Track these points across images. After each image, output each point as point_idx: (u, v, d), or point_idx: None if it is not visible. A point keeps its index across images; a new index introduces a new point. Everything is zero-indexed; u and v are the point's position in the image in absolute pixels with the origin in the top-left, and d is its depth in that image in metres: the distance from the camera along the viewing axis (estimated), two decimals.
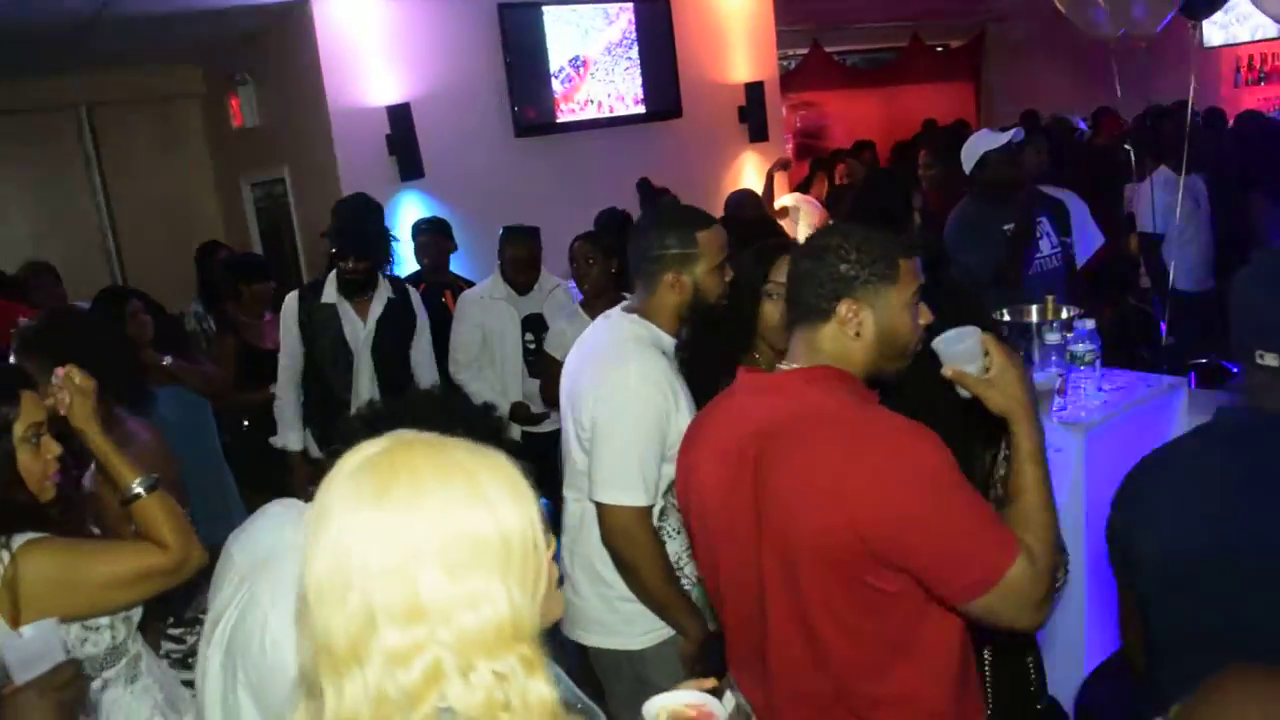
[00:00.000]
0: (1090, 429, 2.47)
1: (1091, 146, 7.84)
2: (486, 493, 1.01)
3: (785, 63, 10.76)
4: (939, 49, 12.21)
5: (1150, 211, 5.55)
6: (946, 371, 1.70)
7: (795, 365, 1.73)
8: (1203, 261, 5.62)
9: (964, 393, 1.71)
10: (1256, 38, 10.01)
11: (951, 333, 1.69)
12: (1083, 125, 8.59)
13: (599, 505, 2.36)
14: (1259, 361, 1.55)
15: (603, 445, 2.35)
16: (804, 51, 10.87)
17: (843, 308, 1.68)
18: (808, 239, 1.78)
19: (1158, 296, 5.60)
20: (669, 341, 2.46)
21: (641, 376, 2.35)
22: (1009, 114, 9.66)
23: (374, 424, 1.34)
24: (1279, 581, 1.52)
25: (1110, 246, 5.77)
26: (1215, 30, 10.18)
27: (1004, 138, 4.38)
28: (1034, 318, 2.72)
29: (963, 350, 1.68)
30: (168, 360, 3.95)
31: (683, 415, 2.32)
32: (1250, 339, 1.57)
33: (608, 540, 2.37)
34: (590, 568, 2.48)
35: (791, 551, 1.62)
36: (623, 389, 2.35)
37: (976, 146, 4.43)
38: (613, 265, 4.18)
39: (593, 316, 4.12)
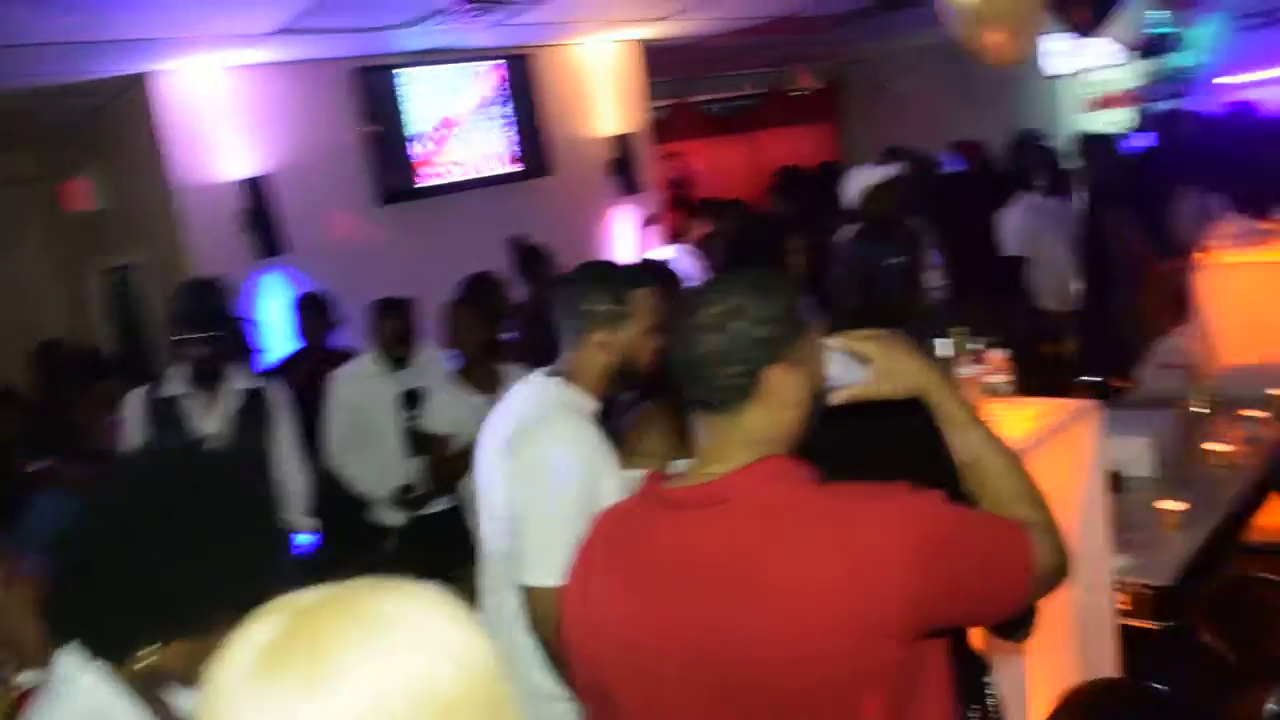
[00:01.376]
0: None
1: (960, 177, 7.98)
2: (423, 638, 0.82)
3: (653, 114, 10.79)
4: (798, 94, 12.42)
5: (1016, 235, 5.62)
6: (838, 399, 1.51)
7: (729, 466, 1.43)
8: (1066, 282, 5.71)
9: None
10: (1095, 65, 10.41)
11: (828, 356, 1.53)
12: (950, 158, 8.74)
13: (527, 590, 2.14)
14: None
15: (529, 524, 2.15)
16: (669, 103, 10.89)
17: (772, 378, 1.42)
18: (688, 312, 1.46)
19: (1038, 317, 5.65)
20: (592, 405, 2.28)
21: (567, 447, 2.16)
22: (870, 153, 9.84)
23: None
24: None
25: (983, 274, 5.87)
26: (1058, 58, 10.56)
27: (882, 172, 4.35)
28: (945, 352, 2.60)
29: (840, 373, 1.51)
30: (39, 465, 3.57)
31: (611, 481, 2.15)
32: None
33: (537, 629, 2.13)
34: (513, 670, 2.23)
35: (758, 695, 1.35)
36: (548, 463, 2.16)
37: (856, 182, 4.39)
38: (488, 330, 3.97)
39: (473, 385, 3.96)
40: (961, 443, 1.51)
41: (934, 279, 4.42)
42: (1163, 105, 9.67)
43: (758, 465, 1.42)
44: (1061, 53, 10.46)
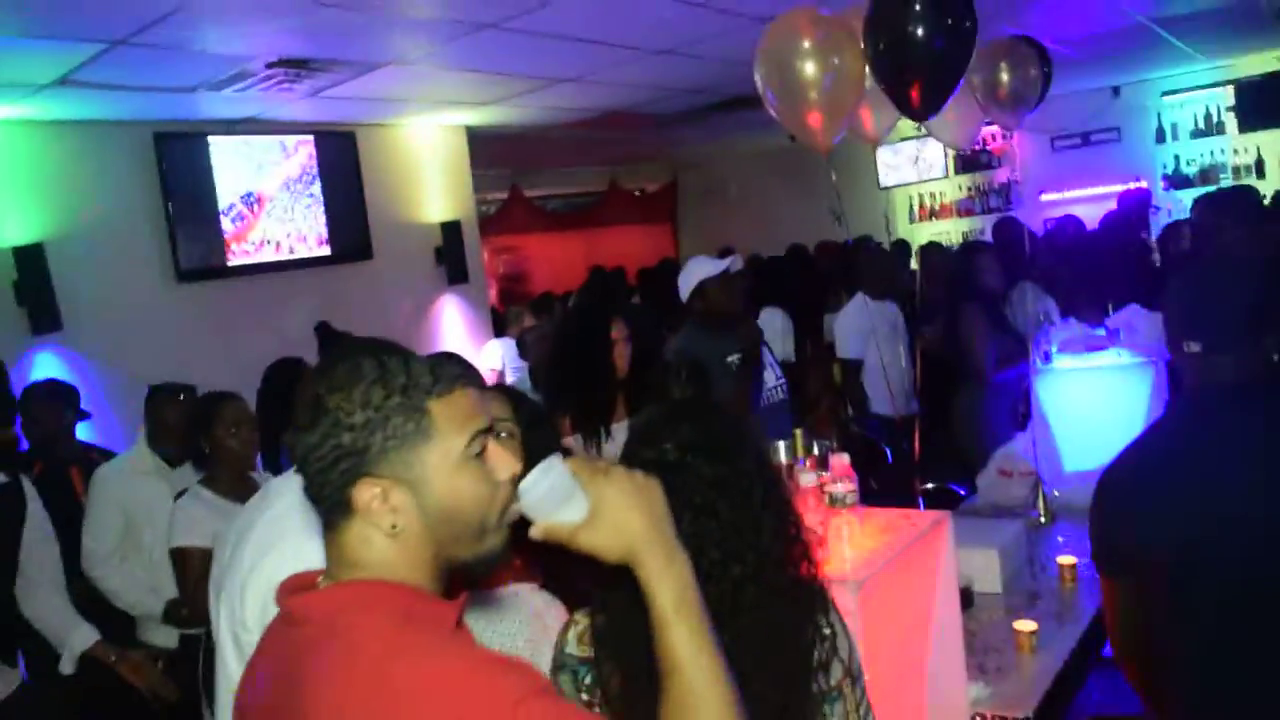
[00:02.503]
0: (861, 585, 2.02)
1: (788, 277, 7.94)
2: None
3: (485, 207, 10.51)
4: (636, 193, 12.40)
5: (848, 338, 5.49)
6: (535, 533, 1.19)
7: (326, 583, 1.22)
8: (901, 387, 5.60)
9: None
10: (924, 178, 10.73)
11: (530, 475, 1.19)
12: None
13: None
14: (1186, 350, 1.86)
15: None
16: (503, 195, 10.66)
17: (363, 493, 1.16)
18: (303, 393, 1.21)
19: (874, 421, 5.49)
20: None
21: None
22: (706, 253, 9.81)
23: None
24: None
25: (816, 375, 5.74)
26: (889, 171, 10.85)
27: (721, 265, 4.12)
28: (783, 457, 2.30)
29: (547, 492, 1.18)
30: None
31: None
32: (1177, 333, 1.88)
33: None
34: None
35: None
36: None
37: (693, 275, 4.14)
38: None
39: (219, 492, 3.36)
40: (663, 643, 1.15)
41: (771, 377, 4.19)
42: (990, 216, 10.01)
43: (347, 588, 1.18)
44: (894, 165, 10.78)
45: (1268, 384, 1.83)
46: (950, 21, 3.07)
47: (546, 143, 8.63)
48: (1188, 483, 1.80)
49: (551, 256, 11.14)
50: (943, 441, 5.07)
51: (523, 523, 1.21)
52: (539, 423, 1.97)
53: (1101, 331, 4.30)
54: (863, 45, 3.28)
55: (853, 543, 2.18)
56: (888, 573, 2.15)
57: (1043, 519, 3.81)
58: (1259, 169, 9.11)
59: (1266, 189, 8.40)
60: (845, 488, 2.15)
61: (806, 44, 3.31)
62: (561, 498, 1.17)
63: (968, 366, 4.79)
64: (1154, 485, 1.84)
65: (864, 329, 5.41)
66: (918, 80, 3.07)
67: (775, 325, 6.37)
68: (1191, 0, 6.22)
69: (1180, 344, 1.87)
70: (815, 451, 2.38)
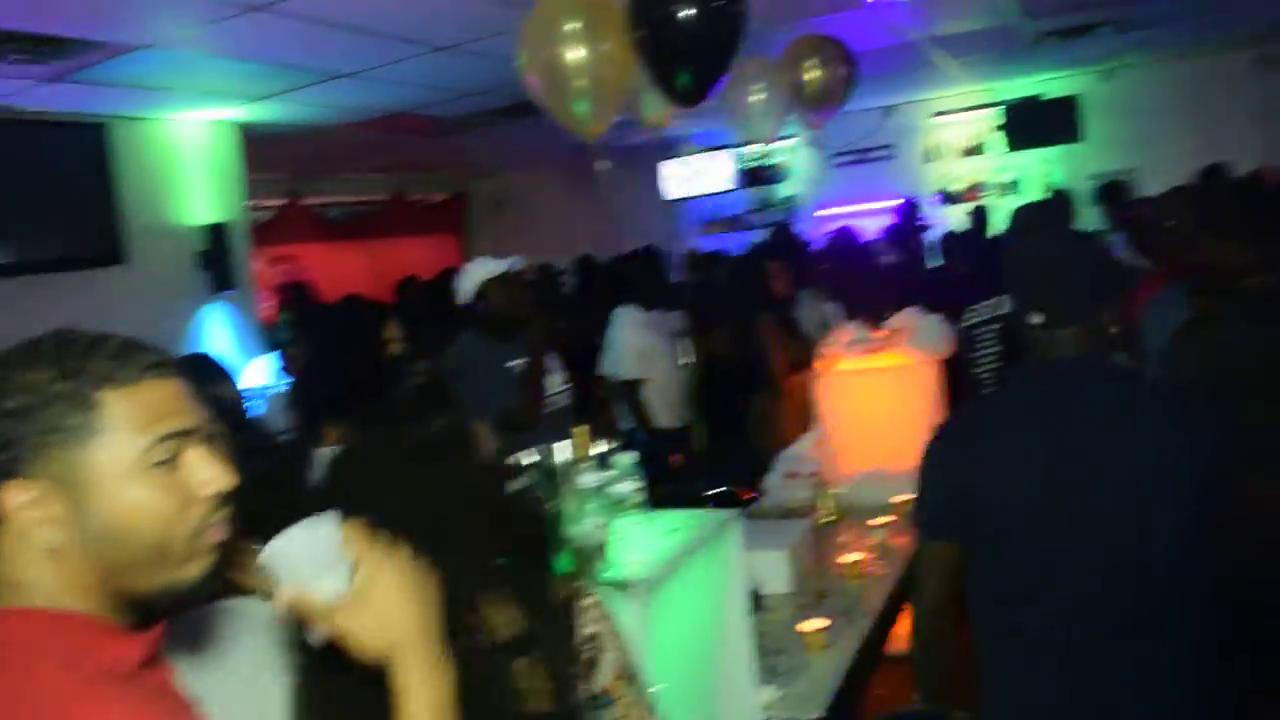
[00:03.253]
0: (651, 586, 1.88)
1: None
2: None
3: (261, 213, 9.94)
4: (423, 203, 12.04)
5: (624, 355, 5.37)
6: (278, 604, 1.03)
7: None
8: (683, 396, 5.56)
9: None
10: (709, 191, 10.88)
11: (289, 532, 1.01)
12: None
13: None
14: (1030, 322, 1.88)
15: None
16: (282, 202, 10.10)
17: (12, 497, 0.94)
18: None
19: (646, 436, 5.40)
20: None
21: None
22: None
23: None
24: (1123, 501, 1.77)
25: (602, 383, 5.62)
26: (676, 183, 10.94)
27: (503, 265, 3.93)
28: (562, 457, 2.13)
29: (303, 553, 1.00)
30: None
31: None
32: (1021, 305, 1.90)
33: None
34: None
35: None
36: None
37: (473, 276, 3.93)
38: None
39: None
40: None
41: (555, 383, 4.04)
42: (771, 229, 10.24)
43: None
44: (679, 177, 10.88)
45: (1103, 356, 1.90)
46: (717, 5, 3.00)
47: (327, 145, 8.21)
48: (1017, 449, 1.85)
49: (332, 267, 10.61)
50: (729, 448, 5.05)
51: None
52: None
53: (882, 333, 4.35)
54: (629, 28, 3.17)
55: (637, 546, 2.03)
56: (675, 576, 2.02)
57: (827, 518, 3.81)
58: (1017, 187, 9.70)
59: None
60: (630, 487, 2.01)
61: (570, 27, 3.18)
62: (321, 565, 0.98)
63: (763, 373, 4.78)
64: (982, 451, 1.89)
65: (640, 344, 5.31)
66: (684, 65, 2.98)
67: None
68: (960, 21, 6.50)
69: (1024, 316, 1.89)
70: (600, 450, 2.23)
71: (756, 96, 4.17)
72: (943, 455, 1.96)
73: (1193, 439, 1.81)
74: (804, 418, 4.54)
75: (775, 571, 3.13)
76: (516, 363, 3.85)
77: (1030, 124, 9.53)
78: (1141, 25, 7.31)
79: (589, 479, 1.99)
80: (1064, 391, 1.86)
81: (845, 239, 6.08)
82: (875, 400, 4.29)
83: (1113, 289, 1.93)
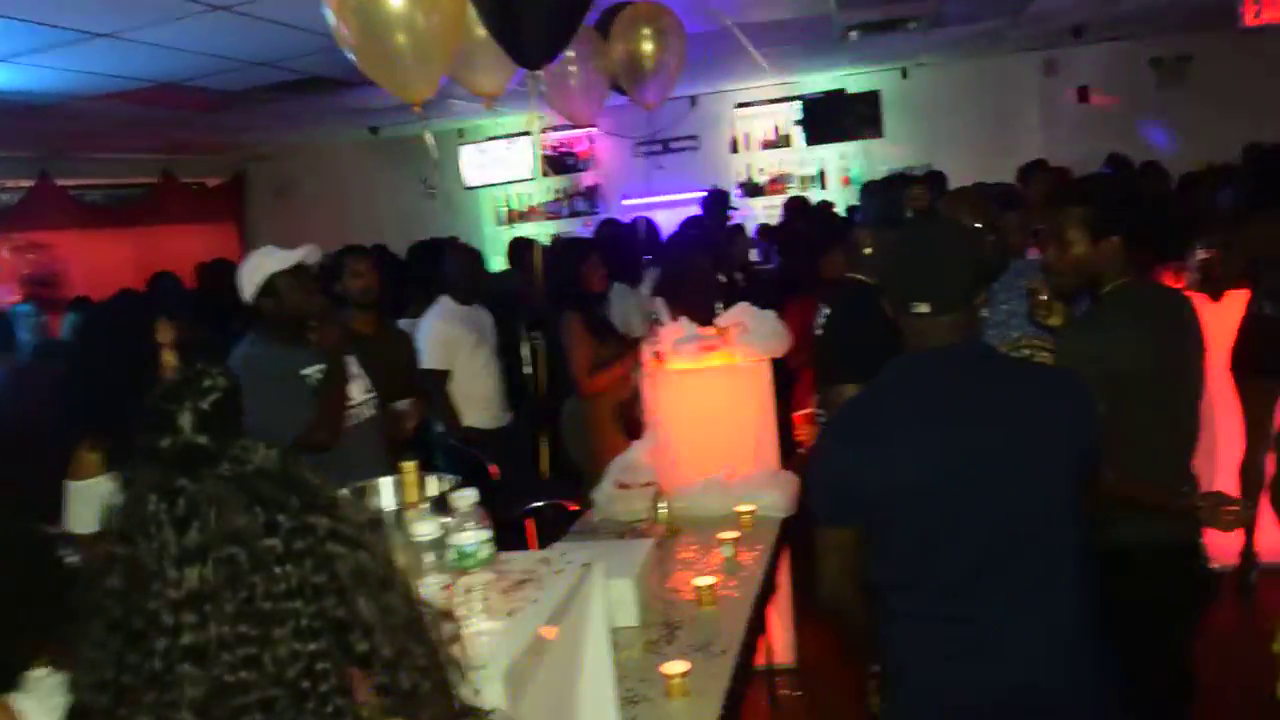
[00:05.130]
0: (506, 670, 1.49)
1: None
2: None
3: (5, 195, 8.84)
4: (195, 186, 11.05)
5: (434, 346, 4.92)
6: None
7: None
8: (496, 396, 5.17)
9: None
10: (511, 178, 10.45)
11: None
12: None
13: None
14: (914, 311, 1.92)
15: None
16: (30, 183, 9.00)
17: None
18: None
19: (456, 440, 4.97)
20: None
21: None
22: None
23: None
24: (1011, 477, 1.88)
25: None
26: (476, 171, 10.46)
27: (293, 256, 3.40)
28: (392, 502, 1.70)
29: None
30: None
31: None
32: (905, 295, 1.93)
33: None
34: None
35: None
36: None
37: (259, 269, 3.38)
38: None
39: None
40: None
41: (358, 391, 3.55)
42: (577, 220, 9.93)
43: None
44: (481, 165, 10.40)
45: (979, 340, 2.03)
46: None
47: (85, 119, 7.29)
48: (911, 432, 1.91)
49: (92, 257, 9.52)
50: (555, 452, 4.70)
51: None
52: None
53: (713, 331, 4.09)
54: None
55: (488, 609, 1.63)
56: (536, 645, 1.64)
57: (670, 534, 3.51)
58: (821, 180, 9.75)
59: (831, 198, 8.97)
60: (477, 540, 1.61)
61: None
62: None
63: (577, 367, 4.44)
64: (877, 436, 1.94)
65: (447, 334, 4.91)
66: (529, 22, 2.59)
67: None
68: (777, 8, 6.35)
69: (908, 305, 1.92)
70: (440, 490, 1.81)
71: (573, 66, 3.77)
72: (838, 442, 2.03)
73: (1070, 410, 1.96)
74: (626, 422, 4.25)
75: (622, 602, 2.77)
76: (312, 369, 3.34)
77: (831, 118, 9.60)
78: (950, 22, 7.39)
79: (427, 528, 1.58)
80: (950, 375, 1.94)
81: (673, 233, 5.81)
82: (709, 402, 4.02)
83: (984, 276, 2.02)
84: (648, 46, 3.56)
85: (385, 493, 1.70)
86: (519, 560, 1.89)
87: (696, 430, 3.97)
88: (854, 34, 7.40)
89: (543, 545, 3.46)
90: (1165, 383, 2.54)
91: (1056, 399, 1.97)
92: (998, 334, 3.06)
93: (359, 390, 3.52)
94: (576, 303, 4.44)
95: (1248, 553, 4.47)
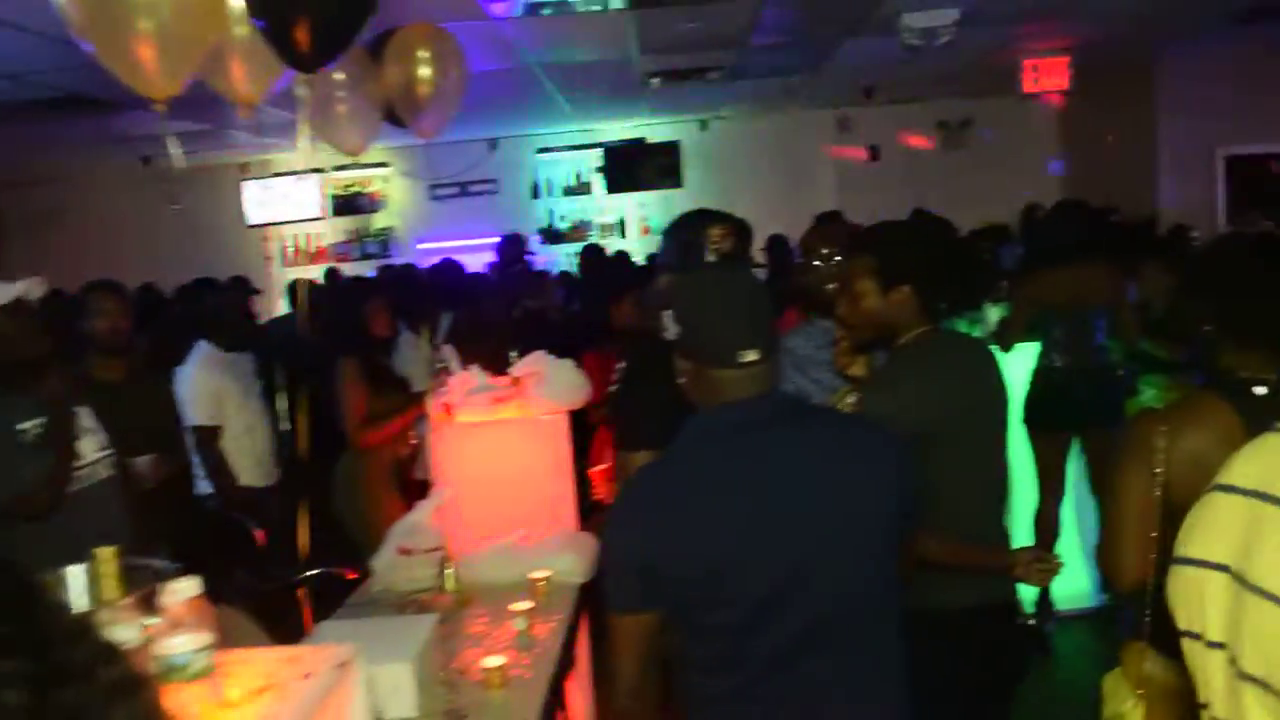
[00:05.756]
0: None
1: None
2: None
3: None
4: None
5: (197, 398, 4.43)
6: None
7: None
8: (268, 452, 4.72)
9: None
10: (298, 217, 9.88)
11: None
12: None
13: None
14: (742, 360, 1.75)
15: None
16: None
17: None
18: None
19: (218, 503, 4.49)
20: None
21: None
22: None
23: None
24: (827, 538, 1.72)
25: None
26: (259, 208, 9.85)
27: (10, 290, 2.90)
28: (83, 599, 1.32)
29: None
30: None
31: None
32: (729, 344, 1.76)
33: None
34: None
35: None
36: None
37: None
38: None
39: None
40: None
41: (91, 448, 3.06)
42: (368, 263, 9.46)
43: None
44: (265, 202, 9.81)
45: (784, 392, 1.93)
46: None
47: None
48: (713, 501, 1.73)
49: None
50: (319, 513, 4.27)
51: None
52: None
53: (507, 381, 3.80)
54: None
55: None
56: None
57: (454, 604, 3.17)
58: (622, 228, 9.67)
59: (629, 247, 8.87)
60: (191, 644, 1.25)
61: None
62: None
63: (350, 421, 4.06)
64: (676, 506, 1.74)
65: (215, 388, 4.43)
66: (306, 18, 2.25)
67: None
68: (579, 49, 6.19)
69: (735, 355, 1.74)
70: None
71: (345, 96, 3.39)
72: (636, 518, 1.79)
73: (887, 468, 1.83)
74: (403, 481, 3.90)
75: (397, 690, 2.42)
76: (31, 423, 2.85)
77: (631, 167, 9.55)
78: (749, 74, 7.44)
79: (119, 634, 1.21)
80: (761, 431, 1.77)
81: (462, 275, 5.49)
82: (502, 458, 3.72)
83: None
84: (424, 72, 3.26)
85: (74, 585, 1.32)
86: (256, 663, 1.54)
87: (488, 489, 3.65)
88: (656, 81, 7.34)
89: (318, 618, 3.08)
90: (967, 436, 2.43)
91: (872, 456, 1.85)
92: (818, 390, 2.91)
93: (91, 447, 3.04)
94: (354, 348, 4.06)
95: (1044, 604, 4.51)
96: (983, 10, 5.77)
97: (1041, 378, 4.48)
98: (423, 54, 3.27)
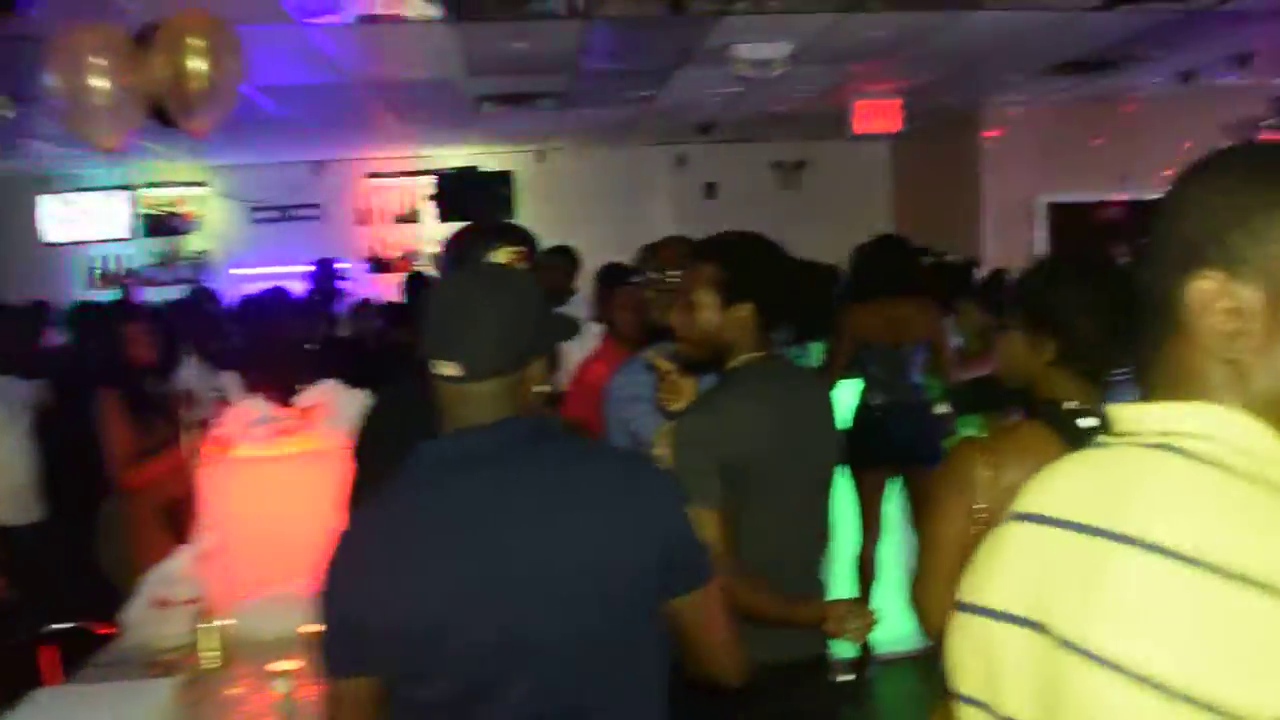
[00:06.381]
0: None
1: None
2: None
3: None
4: None
5: None
6: None
7: None
8: (28, 486, 4.23)
9: None
10: (104, 237, 9.21)
11: None
12: None
13: None
14: (441, 373, 1.49)
15: None
16: None
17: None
18: None
19: None
20: None
21: None
22: None
23: None
24: (562, 601, 1.45)
25: None
26: (56, 226, 9.13)
27: None
28: None
29: None
30: None
31: None
32: (430, 351, 1.50)
33: None
34: None
35: None
36: None
37: None
38: None
39: None
40: None
41: None
42: (176, 286, 8.86)
43: None
44: (65, 219, 9.10)
45: (529, 419, 1.54)
46: None
47: None
48: (428, 550, 1.47)
49: None
50: (76, 562, 3.82)
51: None
52: None
53: (292, 412, 3.47)
54: None
55: None
56: None
57: (210, 664, 2.80)
58: None
59: None
60: None
61: None
62: None
63: (110, 458, 3.64)
64: (386, 557, 1.48)
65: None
66: None
67: None
68: (402, 66, 5.90)
69: (434, 365, 1.50)
70: None
71: (98, 80, 2.98)
72: (342, 571, 1.49)
73: (650, 509, 1.54)
74: (177, 524, 3.50)
75: None
76: None
77: (465, 196, 9.28)
78: (582, 104, 7.28)
79: None
80: (487, 469, 1.49)
81: (249, 300, 5.10)
82: (282, 496, 3.37)
83: (546, 339, 1.61)
84: (197, 65, 2.93)
85: None
86: None
87: (264, 531, 3.29)
88: (488, 105, 7.10)
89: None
90: (790, 475, 2.20)
91: (626, 499, 1.54)
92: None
93: None
94: (115, 378, 3.65)
95: (862, 648, 4.39)
96: (814, 46, 5.76)
97: (861, 415, 4.40)
98: (196, 44, 2.93)
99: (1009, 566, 0.90)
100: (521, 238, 2.26)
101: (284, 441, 3.42)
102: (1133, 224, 8.12)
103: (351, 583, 1.49)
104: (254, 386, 3.64)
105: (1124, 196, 8.43)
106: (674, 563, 1.54)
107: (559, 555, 1.47)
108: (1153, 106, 8.36)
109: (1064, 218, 8.56)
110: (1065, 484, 0.91)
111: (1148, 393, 0.93)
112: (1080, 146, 8.51)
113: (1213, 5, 5.47)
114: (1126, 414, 0.92)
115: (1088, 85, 7.62)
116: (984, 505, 1.78)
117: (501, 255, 2.16)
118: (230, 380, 3.79)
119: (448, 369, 1.48)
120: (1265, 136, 7.62)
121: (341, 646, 1.50)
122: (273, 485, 3.37)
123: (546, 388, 1.57)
